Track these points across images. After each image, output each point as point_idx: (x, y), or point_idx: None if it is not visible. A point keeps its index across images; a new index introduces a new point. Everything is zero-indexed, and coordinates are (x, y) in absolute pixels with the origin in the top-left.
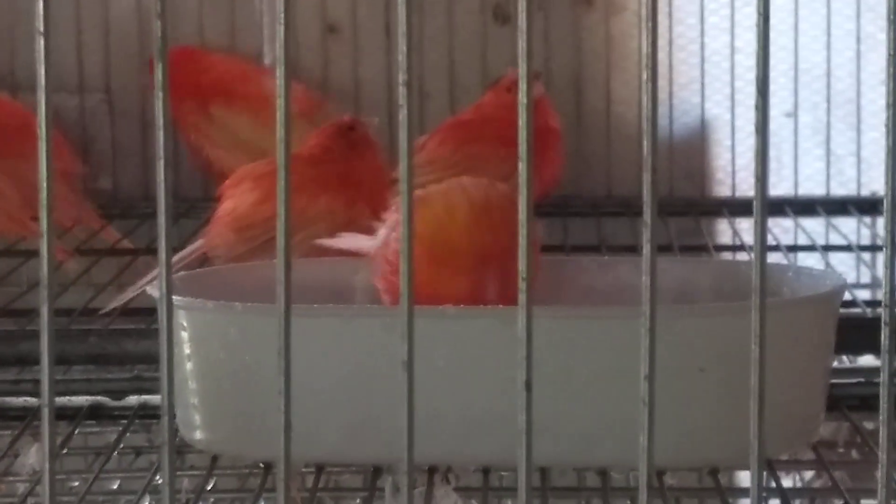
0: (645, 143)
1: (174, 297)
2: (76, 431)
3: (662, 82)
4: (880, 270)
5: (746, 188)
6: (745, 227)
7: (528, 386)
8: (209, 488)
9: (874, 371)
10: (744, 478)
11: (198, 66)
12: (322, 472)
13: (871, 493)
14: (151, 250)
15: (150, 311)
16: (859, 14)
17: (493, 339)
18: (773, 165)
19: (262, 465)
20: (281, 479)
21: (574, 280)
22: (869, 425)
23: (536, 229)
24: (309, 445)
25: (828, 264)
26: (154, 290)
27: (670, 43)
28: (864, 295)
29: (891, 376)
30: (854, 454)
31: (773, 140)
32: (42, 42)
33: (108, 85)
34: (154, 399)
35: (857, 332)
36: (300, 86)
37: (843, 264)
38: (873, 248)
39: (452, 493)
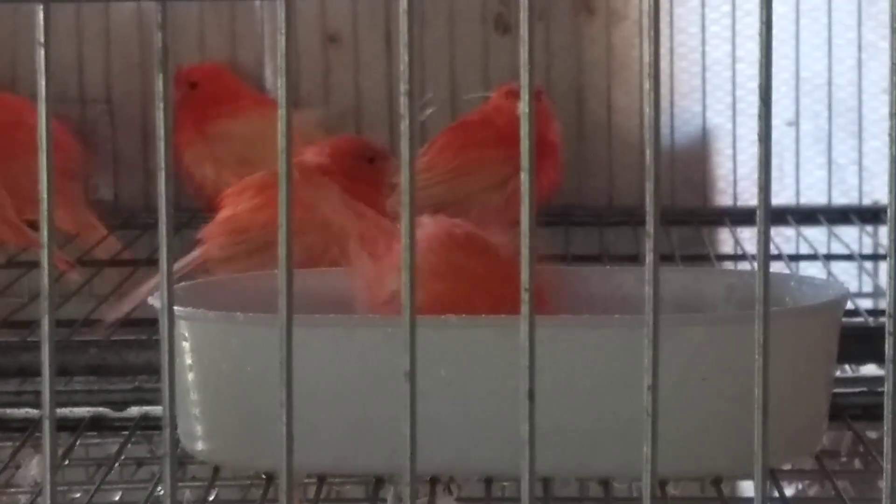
0: (647, 152)
1: (175, 307)
2: (77, 443)
3: (664, 91)
4: (883, 279)
5: (748, 197)
6: (747, 237)
7: (531, 395)
8: (211, 499)
9: (877, 380)
10: (747, 487)
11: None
12: (324, 482)
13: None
14: (153, 261)
15: (151, 322)
16: (861, 22)
17: (495, 349)
18: (774, 174)
19: (264, 475)
20: (283, 489)
21: (576, 289)
22: (872, 435)
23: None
24: (311, 456)
25: (830, 273)
26: (155, 301)
27: (672, 52)
28: (866, 304)
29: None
30: (857, 464)
31: (775, 149)
32: (42, 53)
33: (109, 95)
34: (155, 410)
35: (859, 341)
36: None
37: (845, 273)
38: (875, 258)
39: None
